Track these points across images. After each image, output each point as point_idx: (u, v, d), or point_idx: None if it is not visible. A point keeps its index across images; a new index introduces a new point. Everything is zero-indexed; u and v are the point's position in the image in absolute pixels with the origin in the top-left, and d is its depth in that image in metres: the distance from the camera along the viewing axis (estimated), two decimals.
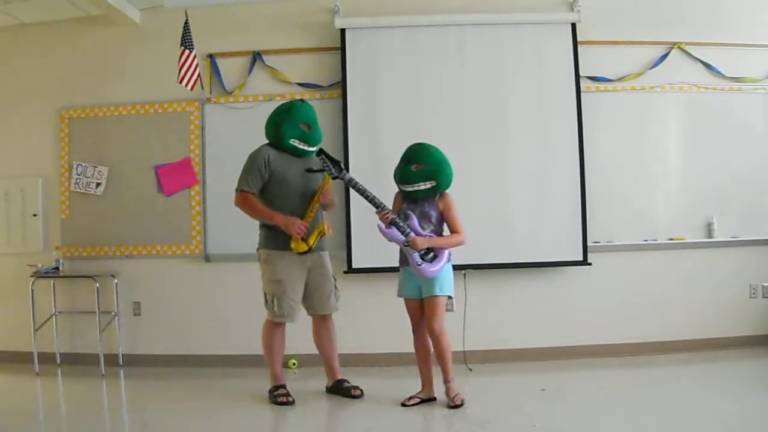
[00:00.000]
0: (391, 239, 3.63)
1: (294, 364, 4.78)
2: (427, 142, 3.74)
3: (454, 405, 3.63)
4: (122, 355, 5.00)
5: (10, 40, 5.25)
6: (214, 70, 5.05)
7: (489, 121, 4.84)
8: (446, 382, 3.70)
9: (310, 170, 3.81)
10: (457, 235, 3.69)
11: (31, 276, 4.86)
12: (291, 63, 5.04)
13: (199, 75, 4.75)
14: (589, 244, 4.82)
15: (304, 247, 3.72)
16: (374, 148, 4.87)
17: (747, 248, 4.96)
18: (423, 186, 3.63)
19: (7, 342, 5.10)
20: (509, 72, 4.88)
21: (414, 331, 3.81)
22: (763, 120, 5.01)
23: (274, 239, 3.81)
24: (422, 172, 3.62)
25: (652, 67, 4.96)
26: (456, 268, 3.83)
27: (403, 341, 4.79)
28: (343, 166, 3.69)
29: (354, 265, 4.84)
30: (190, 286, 5.04)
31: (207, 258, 5.01)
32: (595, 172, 4.87)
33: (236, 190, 3.83)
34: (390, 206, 3.70)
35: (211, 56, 5.05)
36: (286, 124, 3.80)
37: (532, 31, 4.89)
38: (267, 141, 3.92)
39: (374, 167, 4.82)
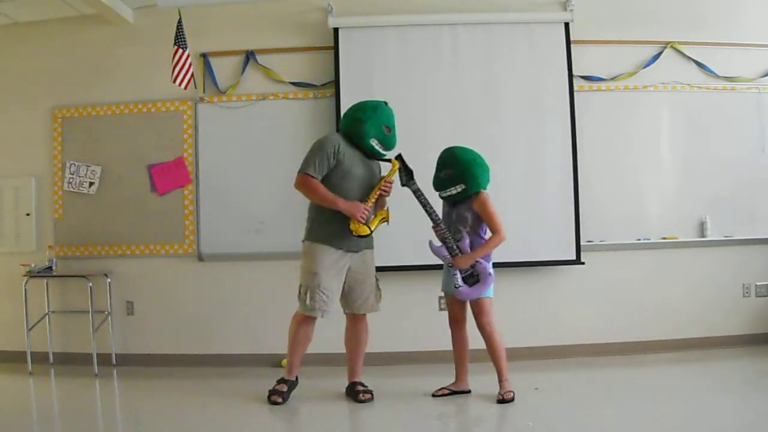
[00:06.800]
0: (438, 256, 3.75)
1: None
2: (457, 146, 3.81)
3: (504, 399, 3.67)
4: (115, 354, 4.98)
5: (2, 39, 5.23)
6: (207, 69, 5.04)
7: (482, 120, 4.84)
8: (501, 380, 3.76)
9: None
10: (494, 236, 3.71)
11: (24, 275, 4.85)
12: (284, 62, 5.03)
13: (192, 74, 4.73)
14: (582, 243, 4.83)
15: (365, 230, 3.68)
16: None
17: (740, 247, 4.97)
18: (453, 191, 3.72)
19: (0, 341, 5.09)
20: (502, 71, 4.88)
21: (451, 326, 3.90)
22: (755, 119, 5.01)
23: (320, 232, 3.74)
24: (450, 177, 3.71)
25: (645, 67, 4.97)
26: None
27: (401, 340, 4.84)
28: (414, 177, 3.74)
29: None
30: (183, 286, 5.03)
31: (200, 257, 5.01)
32: (588, 171, 4.88)
33: (299, 172, 3.71)
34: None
35: (204, 55, 5.04)
36: (370, 122, 3.76)
37: (525, 31, 4.89)
38: (340, 131, 3.91)
39: None
